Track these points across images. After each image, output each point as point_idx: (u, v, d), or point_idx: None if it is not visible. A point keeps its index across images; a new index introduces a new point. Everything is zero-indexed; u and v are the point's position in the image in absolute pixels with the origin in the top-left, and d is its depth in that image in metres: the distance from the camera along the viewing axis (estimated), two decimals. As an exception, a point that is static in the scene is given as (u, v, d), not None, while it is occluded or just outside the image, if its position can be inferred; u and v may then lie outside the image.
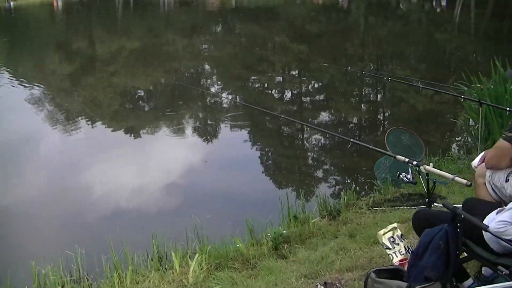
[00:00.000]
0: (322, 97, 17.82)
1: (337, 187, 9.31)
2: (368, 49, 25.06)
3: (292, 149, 12.28)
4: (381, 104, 16.15)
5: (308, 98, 17.80)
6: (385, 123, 13.68)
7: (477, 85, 9.07)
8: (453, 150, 9.58)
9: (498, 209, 3.89)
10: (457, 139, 10.65)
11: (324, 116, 15.18)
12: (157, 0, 49.31)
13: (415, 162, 4.98)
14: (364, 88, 17.56)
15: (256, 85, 19.02)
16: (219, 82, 19.99)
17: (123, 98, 17.37)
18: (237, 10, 36.87)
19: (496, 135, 8.23)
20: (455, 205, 3.85)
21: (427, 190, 4.90)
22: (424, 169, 4.84)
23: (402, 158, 5.29)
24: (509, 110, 6.21)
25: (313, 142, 12.47)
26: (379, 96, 17.15)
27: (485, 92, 8.77)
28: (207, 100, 16.91)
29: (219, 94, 17.60)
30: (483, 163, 4.63)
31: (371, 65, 21.22)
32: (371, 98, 17.21)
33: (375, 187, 8.16)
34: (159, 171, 10.50)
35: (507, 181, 4.35)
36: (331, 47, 25.22)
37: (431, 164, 4.86)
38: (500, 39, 23.13)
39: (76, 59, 24.63)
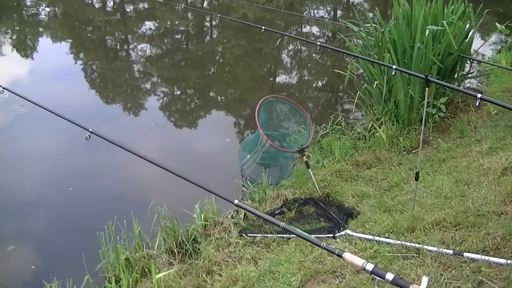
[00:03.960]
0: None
1: (184, 193, 5.57)
2: None
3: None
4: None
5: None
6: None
7: (373, 25, 6.59)
8: (342, 114, 7.17)
9: None
10: (346, 98, 8.24)
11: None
12: None
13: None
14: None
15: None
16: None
17: None
18: None
19: (400, 96, 6.38)
20: None
21: None
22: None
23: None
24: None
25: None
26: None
27: (386, 37, 6.34)
28: None
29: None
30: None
31: None
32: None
33: (243, 189, 5.55)
34: None
35: None
36: None
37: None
38: None
39: None
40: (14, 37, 13.02)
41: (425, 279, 2.16)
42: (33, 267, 5.00)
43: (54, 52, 12.07)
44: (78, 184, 6.31)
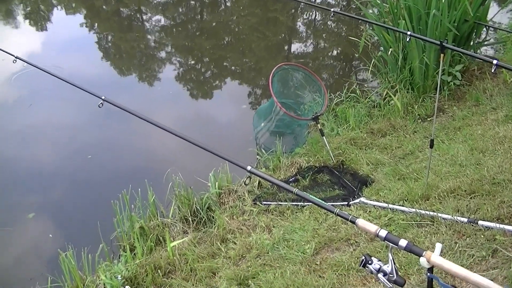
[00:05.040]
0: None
1: (199, 162, 5.67)
2: None
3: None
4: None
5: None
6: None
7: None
8: (357, 82, 7.09)
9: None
10: (361, 66, 8.11)
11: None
12: None
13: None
14: None
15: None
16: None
17: None
18: None
19: (415, 63, 6.27)
20: None
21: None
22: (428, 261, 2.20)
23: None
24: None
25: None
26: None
27: (401, 3, 6.23)
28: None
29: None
30: None
31: None
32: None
33: (257, 157, 5.55)
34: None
35: None
36: None
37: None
38: None
39: None
40: (28, 8, 12.99)
41: (438, 245, 2.15)
42: (50, 235, 5.06)
43: (68, 23, 12.06)
44: (94, 152, 6.36)
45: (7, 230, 5.10)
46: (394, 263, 2.28)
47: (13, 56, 4.18)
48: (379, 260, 2.26)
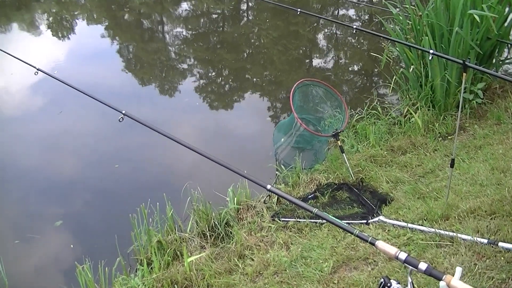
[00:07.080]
0: None
1: (217, 176, 5.53)
2: None
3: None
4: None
5: None
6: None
7: (411, 6, 6.44)
8: (378, 98, 7.06)
9: None
10: (382, 82, 8.09)
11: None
12: None
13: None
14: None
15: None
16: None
17: None
18: None
19: (437, 81, 6.24)
20: None
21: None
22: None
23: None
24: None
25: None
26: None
27: (424, 20, 6.20)
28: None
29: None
30: None
31: None
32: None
33: (276, 173, 5.54)
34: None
35: None
36: None
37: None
38: None
39: None
40: (50, 18, 13.18)
41: (458, 270, 2.12)
42: (72, 245, 5.09)
43: (90, 34, 12.21)
44: (115, 163, 6.40)
45: (29, 237, 5.15)
46: (414, 286, 2.27)
47: (35, 68, 4.23)
48: (398, 283, 2.24)
